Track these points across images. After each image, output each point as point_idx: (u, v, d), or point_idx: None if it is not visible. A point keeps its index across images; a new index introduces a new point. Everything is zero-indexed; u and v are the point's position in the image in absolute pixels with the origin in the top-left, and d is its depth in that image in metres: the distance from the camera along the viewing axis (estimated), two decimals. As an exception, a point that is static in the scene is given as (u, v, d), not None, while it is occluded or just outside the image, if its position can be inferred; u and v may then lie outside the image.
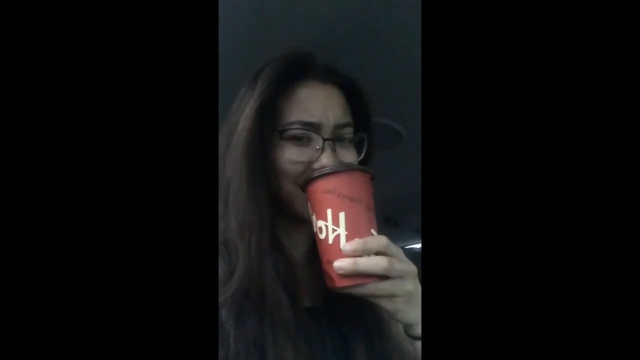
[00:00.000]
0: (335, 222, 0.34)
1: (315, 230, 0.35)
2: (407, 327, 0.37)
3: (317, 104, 0.41)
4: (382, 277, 0.33)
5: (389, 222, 1.19)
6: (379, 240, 0.33)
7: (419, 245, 1.31)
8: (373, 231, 0.35)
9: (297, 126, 0.40)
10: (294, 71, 0.41)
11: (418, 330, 0.36)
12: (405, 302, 0.34)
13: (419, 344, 0.37)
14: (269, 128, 0.40)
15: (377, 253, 0.33)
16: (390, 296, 0.34)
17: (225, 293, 0.35)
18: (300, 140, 0.40)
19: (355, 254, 0.32)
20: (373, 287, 0.33)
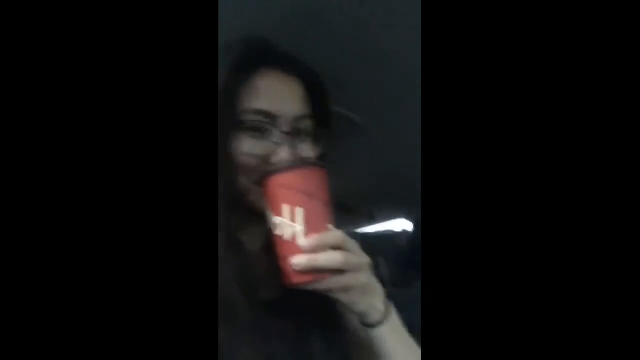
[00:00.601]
0: (292, 218, 0.34)
1: (271, 226, 0.36)
2: (362, 317, 0.38)
3: (275, 95, 0.40)
4: (338, 271, 0.33)
5: (342, 208, 1.22)
6: (336, 235, 0.34)
7: (371, 230, 1.35)
8: (330, 226, 0.35)
9: (254, 117, 0.39)
10: (251, 59, 0.40)
11: (373, 318, 0.38)
12: (360, 293, 0.36)
13: (374, 331, 0.38)
14: (226, 119, 0.39)
15: (334, 248, 0.33)
16: (346, 289, 0.35)
17: None
18: (256, 132, 0.39)
19: (312, 250, 0.33)
20: (329, 282, 0.34)
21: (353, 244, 0.35)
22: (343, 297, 0.35)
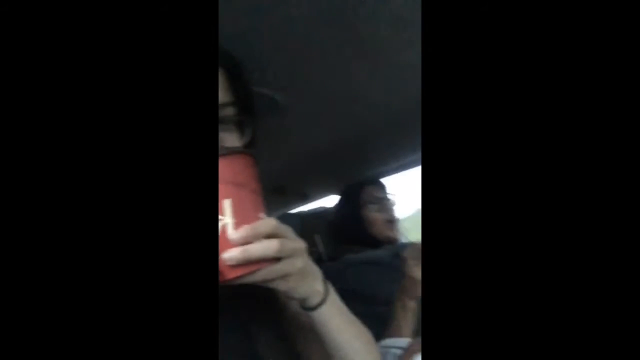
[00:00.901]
0: (220, 212, 0.32)
1: None
2: (303, 301, 0.38)
3: None
4: (274, 259, 0.33)
5: (276, 190, 1.21)
6: (268, 223, 0.33)
7: (305, 208, 1.36)
8: (261, 215, 0.34)
9: None
10: None
11: (313, 301, 0.38)
12: (299, 278, 0.36)
13: (315, 313, 0.38)
14: None
15: (267, 236, 0.32)
16: (284, 276, 0.34)
17: None
18: None
19: (245, 242, 0.32)
20: (266, 272, 0.33)
21: (286, 230, 0.34)
22: (281, 285, 0.35)
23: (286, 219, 1.26)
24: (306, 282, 0.37)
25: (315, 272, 0.39)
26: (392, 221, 0.96)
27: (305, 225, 1.16)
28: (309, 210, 1.30)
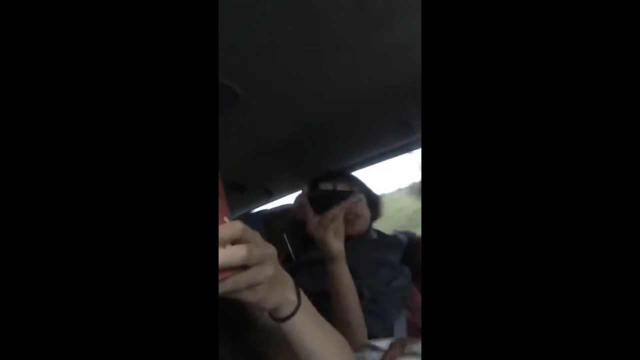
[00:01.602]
0: None
1: None
2: (273, 312, 0.36)
3: None
4: (241, 267, 0.31)
5: (235, 188, 1.14)
6: (233, 227, 0.31)
7: (268, 207, 1.30)
8: (226, 219, 0.32)
9: None
10: None
11: (284, 311, 0.36)
12: (268, 287, 0.33)
13: (287, 324, 0.36)
14: None
15: (233, 242, 0.30)
16: (252, 286, 0.32)
17: None
18: None
19: None
20: (232, 282, 0.31)
21: (254, 234, 0.32)
22: (249, 296, 0.32)
23: (248, 219, 1.21)
24: (276, 291, 0.35)
25: (287, 280, 0.37)
26: (350, 219, 0.87)
27: (270, 225, 1.10)
28: (273, 209, 1.24)
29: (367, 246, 0.87)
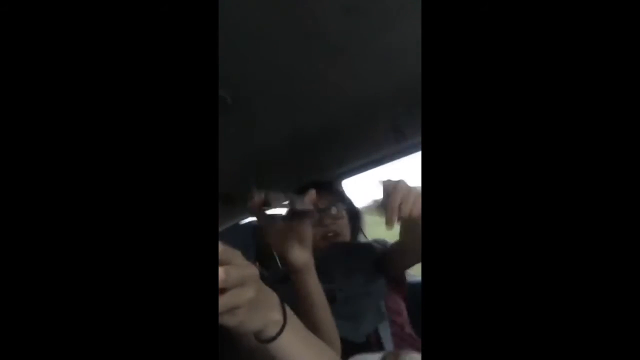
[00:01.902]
0: None
1: None
2: (257, 334, 0.35)
3: None
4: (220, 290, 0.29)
5: (225, 200, 1.11)
6: None
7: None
8: None
9: None
10: None
11: (269, 332, 0.35)
12: (248, 310, 0.32)
13: (273, 345, 0.35)
14: None
15: None
16: (231, 309, 0.30)
17: None
18: None
19: None
20: None
21: (233, 254, 0.31)
22: (228, 320, 0.31)
23: (237, 231, 1.18)
24: (259, 313, 0.34)
25: (271, 299, 0.36)
26: (329, 237, 0.85)
27: (260, 236, 1.06)
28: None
29: (340, 251, 0.84)
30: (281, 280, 0.84)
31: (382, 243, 0.94)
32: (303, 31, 0.56)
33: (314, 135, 0.89)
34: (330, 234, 0.84)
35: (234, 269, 0.30)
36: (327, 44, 0.60)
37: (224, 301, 0.29)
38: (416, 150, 0.93)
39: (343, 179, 1.09)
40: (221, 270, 0.28)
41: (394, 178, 0.60)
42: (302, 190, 0.84)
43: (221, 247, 0.29)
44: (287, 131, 0.86)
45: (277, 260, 0.89)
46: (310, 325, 0.61)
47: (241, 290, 0.30)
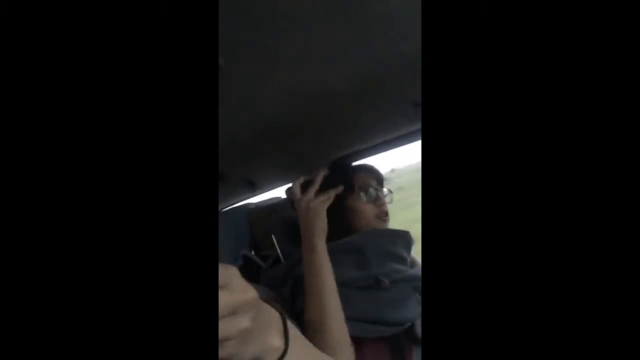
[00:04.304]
0: None
1: None
2: None
3: None
4: None
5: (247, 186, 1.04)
6: None
7: (253, 200, 1.19)
8: None
9: None
10: None
11: (268, 359, 0.33)
12: (241, 341, 0.30)
13: None
14: None
15: None
16: (220, 341, 0.28)
17: None
18: None
19: None
20: None
21: (229, 276, 0.29)
22: (220, 353, 0.29)
23: (230, 214, 1.11)
24: (254, 342, 0.31)
25: (271, 323, 0.34)
26: (383, 214, 0.87)
27: (256, 222, 1.00)
28: (258, 204, 1.14)
29: (378, 235, 0.84)
30: (273, 263, 0.89)
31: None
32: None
33: (319, 112, 0.83)
34: (383, 214, 0.86)
35: (226, 295, 0.28)
36: (337, 11, 0.54)
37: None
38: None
39: (359, 159, 1.02)
40: None
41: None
42: (345, 167, 0.93)
43: (219, 268, 0.28)
44: (288, 105, 0.80)
45: (277, 248, 0.85)
46: (319, 313, 0.67)
47: (233, 320, 0.28)
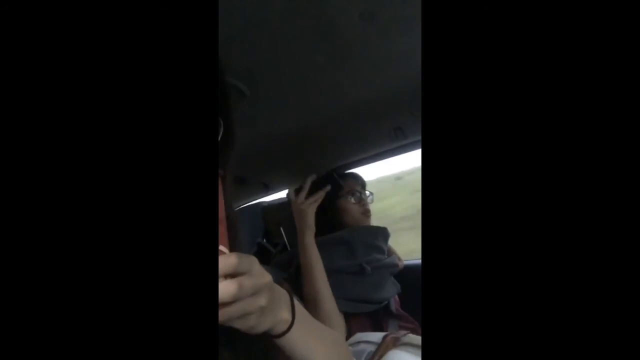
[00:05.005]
0: None
1: None
2: (268, 331, 0.37)
3: None
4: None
5: (236, 181, 1.19)
6: (227, 262, 0.30)
7: (268, 199, 1.35)
8: (222, 248, 0.32)
9: None
10: None
11: (278, 330, 0.37)
12: (260, 316, 0.33)
13: (282, 339, 0.38)
14: None
15: (227, 276, 0.30)
16: (242, 316, 0.32)
17: None
18: None
19: None
20: (222, 313, 0.30)
21: (250, 263, 0.32)
22: (240, 324, 0.33)
23: (248, 210, 1.26)
24: (269, 316, 0.35)
25: (281, 300, 0.37)
26: (367, 212, 1.03)
27: (268, 217, 1.15)
28: (271, 201, 1.28)
29: (362, 230, 1.00)
30: (281, 250, 1.05)
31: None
32: (318, 32, 0.60)
33: (320, 129, 0.95)
34: (364, 212, 1.02)
35: (248, 279, 0.31)
36: (340, 46, 0.64)
37: (235, 310, 0.31)
38: (415, 148, 1.01)
39: (347, 169, 1.15)
40: (234, 285, 0.30)
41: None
42: (335, 174, 1.07)
43: (235, 261, 0.30)
44: (296, 123, 0.92)
45: (285, 238, 1.01)
46: (312, 290, 0.81)
47: (254, 300, 0.32)
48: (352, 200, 1.03)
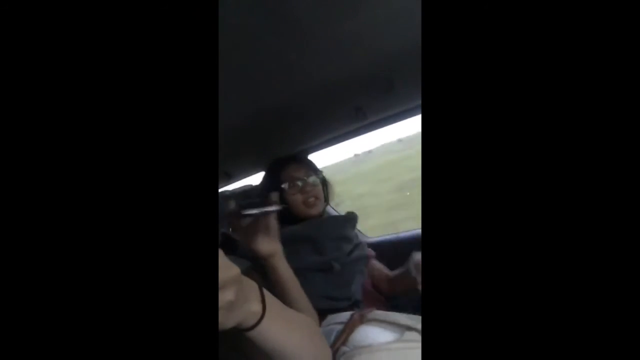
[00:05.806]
0: None
1: None
2: (238, 325, 0.36)
3: None
4: None
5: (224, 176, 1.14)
6: None
7: (230, 187, 1.31)
8: None
9: None
10: None
11: (248, 323, 0.36)
12: (227, 312, 0.32)
13: (253, 332, 0.37)
14: None
15: None
16: None
17: None
18: None
19: None
20: None
21: (218, 257, 0.31)
22: None
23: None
24: (238, 310, 0.34)
25: (250, 292, 0.36)
26: (310, 202, 0.95)
27: (230, 206, 1.11)
28: (233, 190, 1.25)
29: (328, 223, 0.94)
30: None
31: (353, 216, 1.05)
32: (275, 14, 0.59)
33: (280, 113, 0.92)
34: (311, 199, 0.94)
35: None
36: (297, 28, 0.63)
37: None
38: (376, 127, 1.02)
39: (308, 153, 1.15)
40: None
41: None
42: (276, 164, 0.98)
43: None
44: (255, 109, 0.89)
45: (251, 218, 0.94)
46: (286, 303, 0.70)
47: (221, 295, 0.31)
48: (292, 191, 0.94)
